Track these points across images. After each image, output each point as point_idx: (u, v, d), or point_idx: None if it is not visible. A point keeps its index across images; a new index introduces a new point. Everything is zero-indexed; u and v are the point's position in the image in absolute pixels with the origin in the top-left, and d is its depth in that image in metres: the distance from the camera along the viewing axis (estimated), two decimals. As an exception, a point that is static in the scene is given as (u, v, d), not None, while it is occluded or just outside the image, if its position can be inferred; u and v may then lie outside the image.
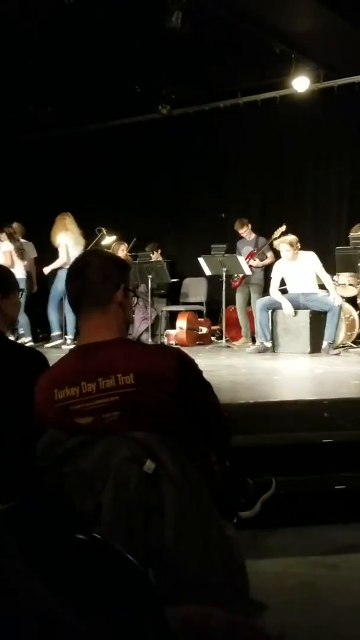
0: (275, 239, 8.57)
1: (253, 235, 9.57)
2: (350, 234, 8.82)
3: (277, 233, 8.76)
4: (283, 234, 8.53)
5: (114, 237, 9.89)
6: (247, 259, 9.20)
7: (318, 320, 7.82)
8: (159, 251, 10.37)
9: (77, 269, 2.28)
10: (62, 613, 0.87)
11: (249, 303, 9.44)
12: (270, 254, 9.25)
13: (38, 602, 0.86)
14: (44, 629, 0.83)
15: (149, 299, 9.28)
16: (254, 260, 9.22)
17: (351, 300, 8.64)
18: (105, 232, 9.76)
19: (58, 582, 0.95)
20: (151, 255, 10.12)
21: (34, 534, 1.15)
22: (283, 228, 8.74)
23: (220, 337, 9.28)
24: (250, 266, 9.02)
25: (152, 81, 10.18)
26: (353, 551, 3.03)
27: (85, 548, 1.15)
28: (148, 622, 0.97)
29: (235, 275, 9.11)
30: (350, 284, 8.66)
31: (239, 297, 9.48)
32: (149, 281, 9.07)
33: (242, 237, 9.64)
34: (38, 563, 0.95)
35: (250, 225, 9.59)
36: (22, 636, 0.82)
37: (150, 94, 10.52)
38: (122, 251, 9.54)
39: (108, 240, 9.82)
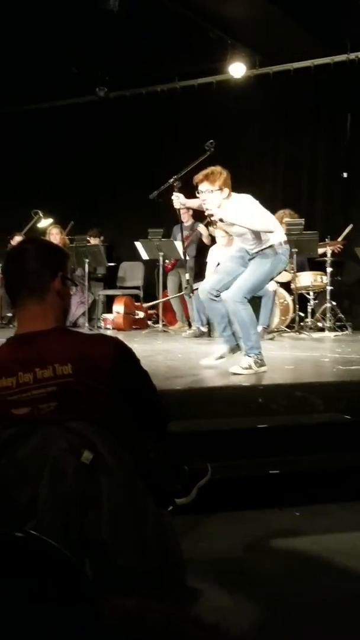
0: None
1: (191, 220, 9.57)
2: (285, 219, 8.91)
3: None
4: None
5: (50, 220, 9.76)
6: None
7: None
8: (101, 237, 10.27)
9: (14, 257, 2.24)
10: None
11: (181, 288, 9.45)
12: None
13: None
14: None
15: (86, 283, 9.21)
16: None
17: (285, 286, 8.76)
18: (41, 215, 9.62)
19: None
20: (88, 239, 10.02)
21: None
22: None
23: (157, 322, 9.28)
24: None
25: (89, 63, 10.06)
26: (287, 536, 3.08)
27: (16, 543, 1.13)
28: (83, 617, 0.98)
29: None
30: (285, 270, 8.76)
31: (171, 282, 9.47)
32: (86, 265, 8.99)
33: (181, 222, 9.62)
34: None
35: (191, 211, 9.56)
36: None
37: (87, 76, 10.39)
38: (56, 234, 9.43)
39: (44, 223, 9.69)
